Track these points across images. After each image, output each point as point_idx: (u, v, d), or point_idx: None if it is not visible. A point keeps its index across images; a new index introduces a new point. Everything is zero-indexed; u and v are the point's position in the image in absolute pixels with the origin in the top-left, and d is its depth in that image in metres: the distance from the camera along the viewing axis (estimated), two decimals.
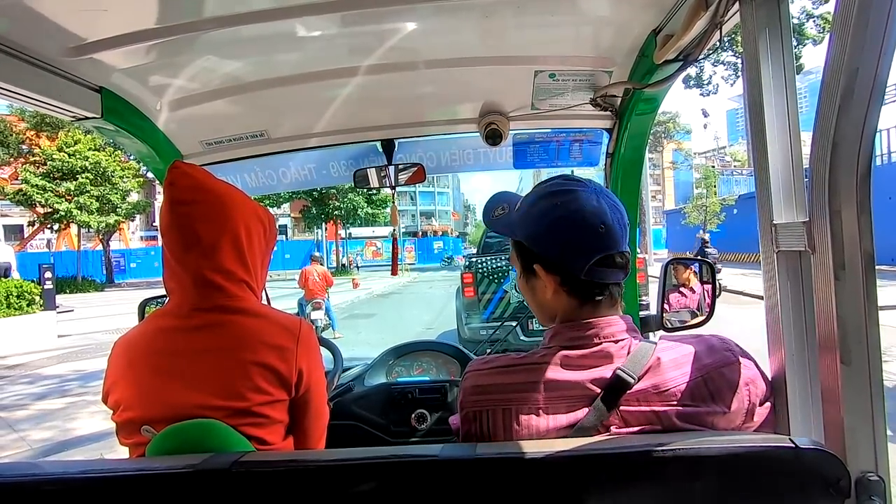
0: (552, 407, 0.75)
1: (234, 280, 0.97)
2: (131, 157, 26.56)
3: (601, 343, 0.79)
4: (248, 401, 0.91)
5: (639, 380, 0.75)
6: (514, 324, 4.92)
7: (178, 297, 0.97)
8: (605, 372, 0.76)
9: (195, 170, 0.99)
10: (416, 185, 1.81)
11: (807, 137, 0.84)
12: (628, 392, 0.74)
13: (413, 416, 1.65)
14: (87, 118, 1.28)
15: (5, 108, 25.98)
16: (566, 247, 0.80)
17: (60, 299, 18.03)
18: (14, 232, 34.03)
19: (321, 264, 9.88)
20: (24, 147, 25.63)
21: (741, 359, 0.79)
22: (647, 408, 0.75)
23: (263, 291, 1.11)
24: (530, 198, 0.85)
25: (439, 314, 11.41)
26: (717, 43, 1.04)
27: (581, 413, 0.75)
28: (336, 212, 29.70)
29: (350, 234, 38.12)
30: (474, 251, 8.47)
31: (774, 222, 0.78)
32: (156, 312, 1.06)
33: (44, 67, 1.11)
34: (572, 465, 0.65)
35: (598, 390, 0.75)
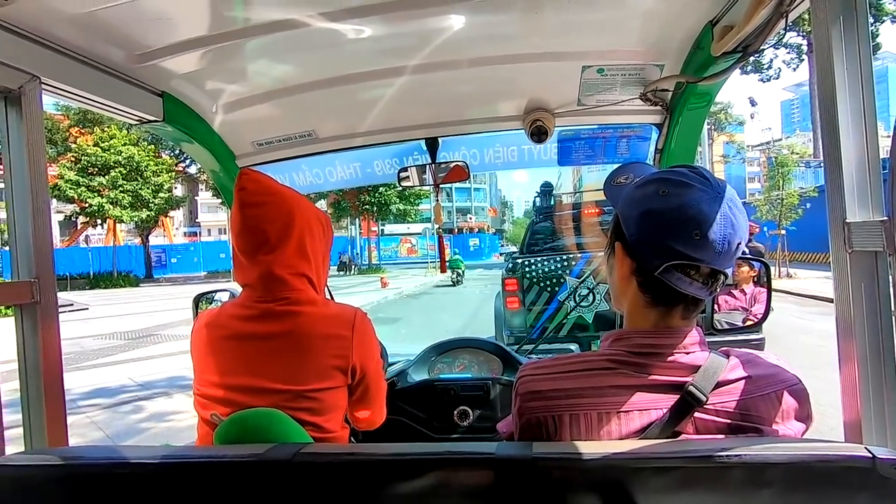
0: (624, 413, 0.73)
1: (297, 275, 1.04)
2: (168, 154, 27.20)
3: (673, 354, 0.75)
4: (307, 385, 0.98)
5: (710, 395, 0.72)
6: (573, 347, 3.58)
7: (247, 291, 1.06)
8: (676, 381, 0.74)
9: (262, 175, 1.07)
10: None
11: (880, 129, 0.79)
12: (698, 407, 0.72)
13: (455, 412, 1.66)
14: (150, 121, 1.36)
15: (52, 107, 26.70)
16: (650, 238, 0.74)
17: (90, 296, 18.40)
18: (67, 227, 35.12)
19: None
20: (70, 144, 26.29)
21: (802, 384, 0.77)
22: (717, 423, 0.73)
23: (326, 287, 1.17)
24: (646, 177, 0.80)
25: (472, 318, 10.78)
26: (781, 32, 0.99)
27: (651, 418, 0.73)
28: (366, 206, 29.29)
29: (383, 230, 38.27)
30: (515, 250, 7.15)
31: (847, 221, 0.74)
32: (229, 303, 1.16)
33: (113, 74, 1.19)
34: (631, 468, 0.64)
35: (669, 399, 0.73)
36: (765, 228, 17.33)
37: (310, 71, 1.42)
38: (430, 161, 1.77)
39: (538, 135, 1.60)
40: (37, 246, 0.93)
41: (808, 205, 16.91)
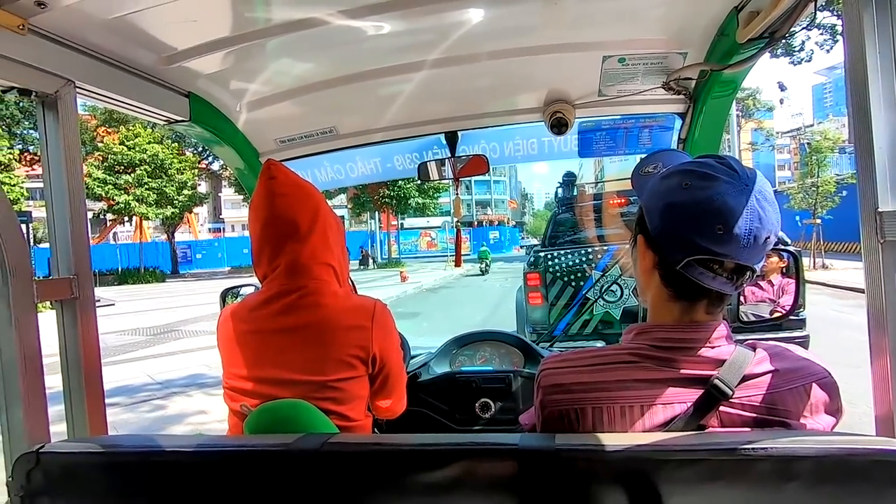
0: (647, 407, 0.72)
1: (322, 265, 1.07)
2: (191, 151, 27.48)
3: (697, 348, 0.74)
4: (328, 376, 1.00)
5: (736, 389, 0.71)
6: (599, 345, 3.64)
7: (268, 284, 1.08)
8: (701, 375, 0.73)
9: (287, 168, 1.10)
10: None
11: None
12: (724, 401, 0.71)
13: (477, 404, 1.68)
14: (177, 121, 1.39)
15: (80, 107, 27.20)
16: (672, 232, 0.73)
17: (116, 291, 18.68)
18: (97, 224, 35.71)
19: None
20: (98, 143, 26.74)
21: (832, 377, 0.75)
22: (743, 417, 0.72)
23: (350, 281, 1.19)
24: (670, 168, 0.77)
25: (493, 313, 10.67)
26: (810, 15, 0.96)
27: (675, 412, 0.72)
28: (386, 200, 29.21)
29: (402, 224, 38.29)
30: (536, 242, 6.74)
31: (879, 210, 0.72)
32: (251, 296, 1.18)
33: (141, 76, 1.22)
34: (655, 460, 0.64)
35: (693, 393, 0.72)
36: (797, 217, 16.65)
37: (330, 68, 1.43)
38: (449, 155, 1.78)
39: (558, 127, 1.59)
40: (74, 244, 0.97)
41: (845, 192, 16.00)
